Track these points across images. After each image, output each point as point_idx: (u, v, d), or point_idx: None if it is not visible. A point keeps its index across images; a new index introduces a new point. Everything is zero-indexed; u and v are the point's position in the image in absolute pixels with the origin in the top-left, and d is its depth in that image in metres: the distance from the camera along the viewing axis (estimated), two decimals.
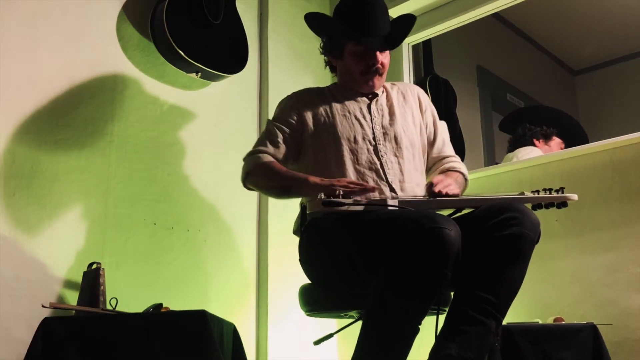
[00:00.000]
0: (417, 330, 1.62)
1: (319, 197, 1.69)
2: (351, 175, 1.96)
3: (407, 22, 2.10)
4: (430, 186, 1.81)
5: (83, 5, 2.48)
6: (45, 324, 1.81)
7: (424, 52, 3.43)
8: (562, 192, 1.78)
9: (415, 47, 3.36)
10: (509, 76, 4.62)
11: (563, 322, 2.19)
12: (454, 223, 1.59)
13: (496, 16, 4.18)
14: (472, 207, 1.79)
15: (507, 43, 4.67)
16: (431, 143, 2.16)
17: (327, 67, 2.21)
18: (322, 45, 2.15)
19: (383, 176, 1.97)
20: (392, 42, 2.06)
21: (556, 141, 3.29)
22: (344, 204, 1.69)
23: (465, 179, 2.11)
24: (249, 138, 2.99)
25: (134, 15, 2.63)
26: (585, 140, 3.17)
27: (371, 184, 1.93)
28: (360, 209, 1.72)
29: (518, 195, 1.79)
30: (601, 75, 5.15)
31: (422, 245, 1.55)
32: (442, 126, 2.20)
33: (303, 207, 1.87)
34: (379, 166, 1.98)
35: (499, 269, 1.62)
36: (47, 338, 1.78)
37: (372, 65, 2.04)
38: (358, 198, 1.74)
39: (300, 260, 1.96)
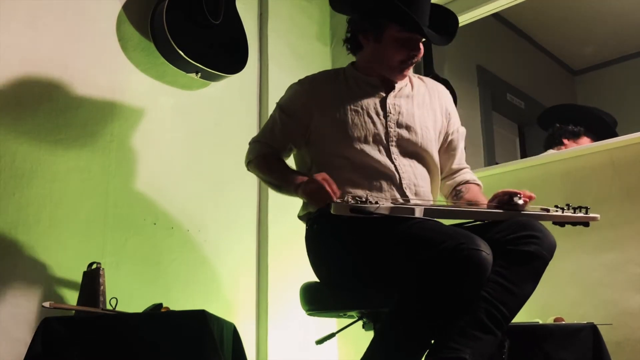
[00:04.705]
0: (430, 346, 1.59)
1: (346, 199, 1.59)
2: (362, 178, 1.86)
3: (451, 21, 1.99)
4: (509, 199, 1.72)
5: (83, 5, 2.48)
6: (45, 324, 1.81)
7: (424, 52, 3.41)
8: (587, 213, 1.76)
9: None
10: (509, 76, 4.62)
11: (563, 322, 2.19)
12: (487, 246, 1.57)
13: (496, 16, 4.18)
14: (496, 220, 1.74)
15: (507, 43, 4.66)
16: (452, 153, 2.06)
17: (345, 46, 2.01)
18: (351, 20, 1.96)
19: (398, 181, 1.87)
20: (443, 34, 1.94)
21: (585, 139, 3.23)
22: (372, 214, 1.58)
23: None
24: (249, 138, 3.00)
25: (134, 15, 2.63)
26: (613, 134, 3.07)
27: (384, 187, 1.85)
28: (385, 212, 1.61)
29: (543, 212, 1.76)
30: (601, 75, 5.14)
31: (458, 265, 1.52)
32: (463, 135, 2.11)
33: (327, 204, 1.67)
34: (393, 169, 1.87)
35: (514, 282, 1.61)
36: (47, 338, 1.78)
37: (414, 56, 1.92)
38: (385, 203, 1.63)
39: (308, 251, 1.93)
